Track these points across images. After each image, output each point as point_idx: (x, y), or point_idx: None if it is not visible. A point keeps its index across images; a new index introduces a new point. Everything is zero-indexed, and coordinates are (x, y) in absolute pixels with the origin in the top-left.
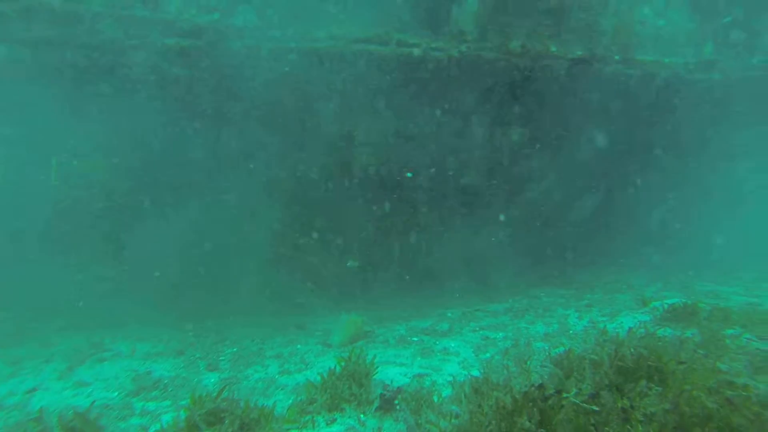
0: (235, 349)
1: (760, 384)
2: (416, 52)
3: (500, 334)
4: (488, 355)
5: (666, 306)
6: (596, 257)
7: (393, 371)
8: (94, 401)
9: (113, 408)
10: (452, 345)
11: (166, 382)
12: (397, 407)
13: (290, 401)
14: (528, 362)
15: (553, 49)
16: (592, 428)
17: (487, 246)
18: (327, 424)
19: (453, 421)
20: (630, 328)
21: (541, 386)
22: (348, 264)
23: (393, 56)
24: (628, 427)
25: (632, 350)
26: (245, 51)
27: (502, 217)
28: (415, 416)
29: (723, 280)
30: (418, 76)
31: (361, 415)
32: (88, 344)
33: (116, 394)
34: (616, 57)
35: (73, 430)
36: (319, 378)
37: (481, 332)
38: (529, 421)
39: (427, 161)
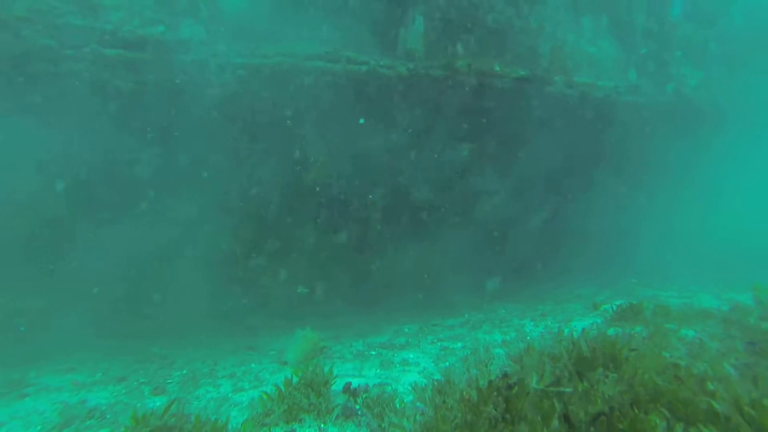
0: (184, 372)
1: (698, 366)
2: (365, 68)
3: (459, 344)
4: (448, 363)
5: (615, 308)
6: (547, 271)
7: (352, 382)
8: None
9: None
10: (411, 356)
11: (103, 409)
12: (359, 413)
13: (245, 416)
14: (488, 365)
15: (497, 68)
16: (556, 411)
17: (441, 263)
18: None
19: (418, 417)
20: (584, 328)
21: (505, 375)
22: (298, 290)
23: (343, 73)
24: (590, 406)
25: (588, 343)
26: (192, 65)
27: (454, 234)
28: (378, 420)
29: (661, 286)
30: (367, 94)
31: (322, 424)
32: (4, 383)
33: (38, 428)
34: (556, 78)
35: None
36: (274, 390)
37: (439, 344)
38: (495, 410)
39: (378, 178)
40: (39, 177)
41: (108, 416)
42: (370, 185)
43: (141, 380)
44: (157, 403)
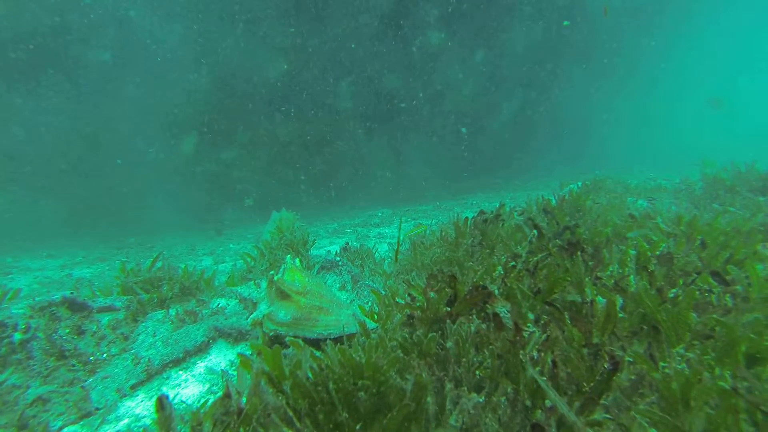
0: (165, 253)
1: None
2: None
3: (431, 221)
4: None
5: (579, 185)
6: (517, 165)
7: (331, 248)
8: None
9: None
10: (386, 231)
11: (89, 278)
12: (340, 263)
13: (229, 275)
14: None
15: None
16: (527, 237)
17: (411, 155)
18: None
19: (399, 258)
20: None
21: (481, 212)
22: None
23: None
24: (557, 225)
25: (557, 197)
26: None
27: (424, 126)
28: (360, 269)
29: (622, 174)
30: None
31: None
32: None
33: (27, 291)
34: None
35: None
36: (256, 251)
37: (412, 222)
38: (472, 241)
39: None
40: None
41: (95, 283)
42: (340, 74)
43: (122, 259)
44: None
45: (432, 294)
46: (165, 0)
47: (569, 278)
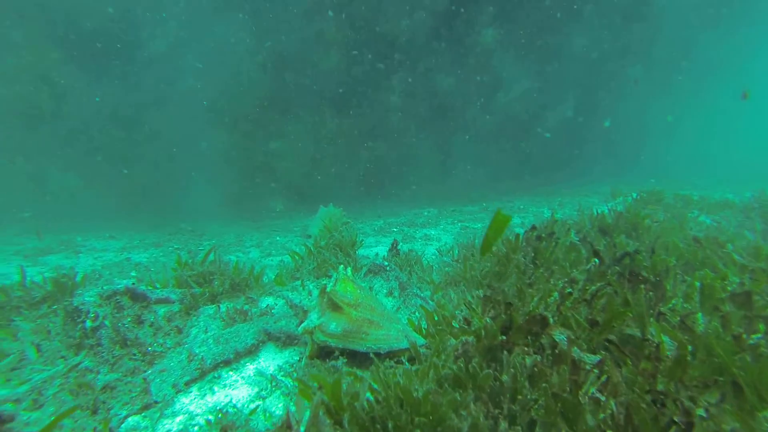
0: (213, 241)
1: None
2: None
3: (478, 224)
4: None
5: (635, 196)
6: (567, 169)
7: (378, 249)
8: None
9: (99, 278)
10: (433, 232)
11: (146, 264)
12: (388, 268)
13: (277, 272)
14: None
15: None
16: (582, 258)
17: (460, 154)
18: (316, 288)
19: (447, 270)
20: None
21: (534, 228)
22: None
23: None
24: (614, 249)
25: (612, 212)
26: None
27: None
28: (407, 276)
29: (679, 186)
30: None
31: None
32: (58, 242)
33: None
34: None
35: (56, 283)
36: (304, 249)
37: (459, 224)
38: (524, 258)
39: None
40: None
41: (151, 269)
42: (391, 69)
43: (175, 246)
44: None
45: (488, 320)
46: None
47: (630, 313)
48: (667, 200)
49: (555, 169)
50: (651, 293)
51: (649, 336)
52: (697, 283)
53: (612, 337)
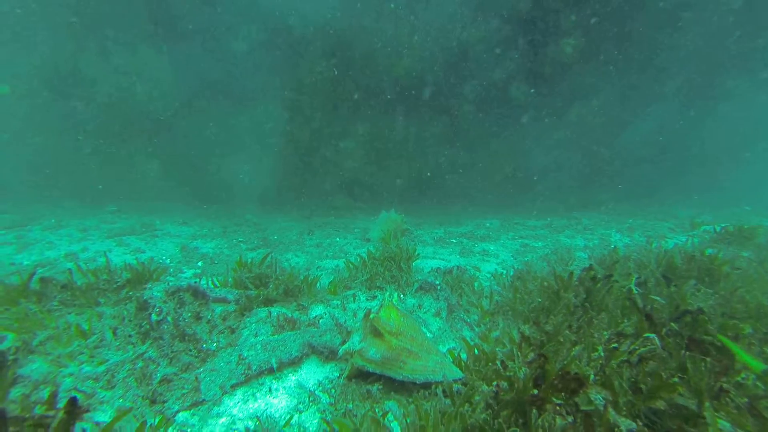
0: (275, 237)
1: None
2: None
3: (539, 243)
4: (528, 258)
5: (718, 230)
6: (642, 186)
7: (433, 263)
8: (152, 258)
9: (168, 267)
10: (491, 248)
11: (211, 255)
12: (438, 288)
13: (331, 279)
14: (569, 265)
15: None
16: (637, 309)
17: (530, 165)
18: (367, 300)
19: (496, 298)
20: (677, 244)
21: (590, 268)
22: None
23: None
24: (678, 303)
25: (682, 253)
26: None
27: (546, 135)
28: (457, 297)
29: None
30: None
31: (401, 295)
32: (141, 224)
33: (168, 261)
34: None
35: (134, 271)
36: (359, 259)
37: (520, 240)
38: (575, 298)
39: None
40: None
41: (216, 261)
42: (465, 76)
43: (239, 239)
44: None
45: (522, 372)
46: None
47: (681, 388)
48: (761, 239)
49: (629, 186)
50: (709, 360)
51: (706, 413)
52: None
53: (659, 405)
